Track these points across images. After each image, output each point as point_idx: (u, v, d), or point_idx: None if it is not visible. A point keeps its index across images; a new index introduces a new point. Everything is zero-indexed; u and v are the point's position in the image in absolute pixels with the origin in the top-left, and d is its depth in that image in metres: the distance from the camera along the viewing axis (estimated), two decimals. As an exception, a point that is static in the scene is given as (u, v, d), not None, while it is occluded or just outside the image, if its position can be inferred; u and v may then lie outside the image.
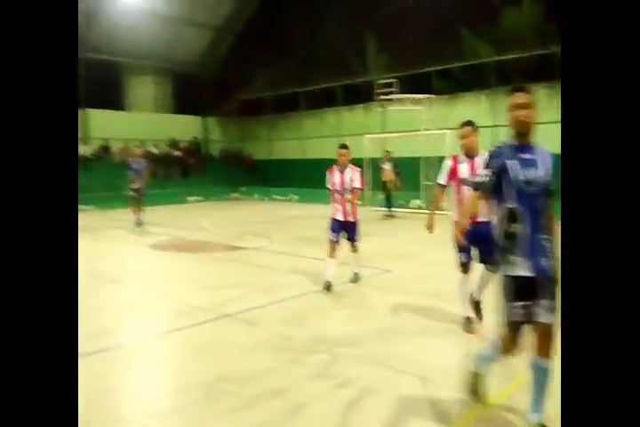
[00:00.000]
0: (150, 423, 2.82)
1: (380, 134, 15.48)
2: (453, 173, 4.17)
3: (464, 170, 4.09)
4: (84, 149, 17.96)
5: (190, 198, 18.35)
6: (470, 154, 4.10)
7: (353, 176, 5.60)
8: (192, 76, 21.95)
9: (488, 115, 14.60)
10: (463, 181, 4.04)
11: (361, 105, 17.82)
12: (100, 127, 18.78)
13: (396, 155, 13.13)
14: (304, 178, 18.64)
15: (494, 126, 14.45)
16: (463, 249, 4.02)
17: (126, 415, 2.92)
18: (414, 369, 3.44)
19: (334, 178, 5.66)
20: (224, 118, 22.86)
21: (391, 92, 14.63)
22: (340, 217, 5.63)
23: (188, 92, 22.10)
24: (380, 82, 15.16)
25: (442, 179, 4.26)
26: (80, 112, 18.76)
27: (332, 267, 5.52)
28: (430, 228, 4.31)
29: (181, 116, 21.92)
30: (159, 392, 3.32)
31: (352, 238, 5.75)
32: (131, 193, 10.91)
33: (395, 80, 14.81)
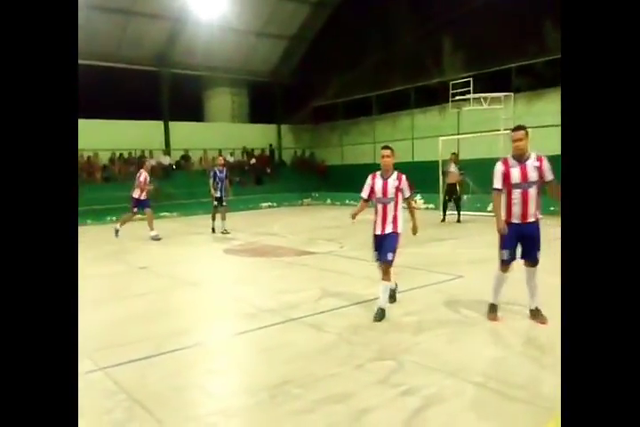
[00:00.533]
0: (218, 422, 2.91)
1: (455, 136, 15.03)
2: (506, 177, 4.32)
3: (516, 174, 4.27)
4: (167, 160, 19.08)
5: (264, 204, 18.86)
6: (520, 158, 4.28)
7: (400, 184, 4.73)
8: (267, 86, 22.62)
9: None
10: (515, 185, 4.28)
11: (435, 107, 17.44)
12: (181, 138, 19.83)
13: (472, 156, 12.67)
14: (377, 182, 18.49)
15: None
16: (506, 247, 4.40)
17: (195, 413, 3.02)
18: (480, 379, 3.29)
19: (376, 185, 4.79)
20: (297, 126, 23.31)
21: (467, 92, 14.17)
22: (378, 231, 4.79)
23: (263, 102, 22.78)
24: (455, 82, 14.74)
25: (497, 184, 4.38)
26: (163, 124, 19.98)
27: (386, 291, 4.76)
28: (503, 231, 4.38)
29: (256, 125, 22.64)
30: (227, 392, 3.41)
31: (383, 256, 4.71)
32: (214, 202, 11.22)
33: (470, 79, 14.34)
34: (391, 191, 4.73)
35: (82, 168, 16.98)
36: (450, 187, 11.96)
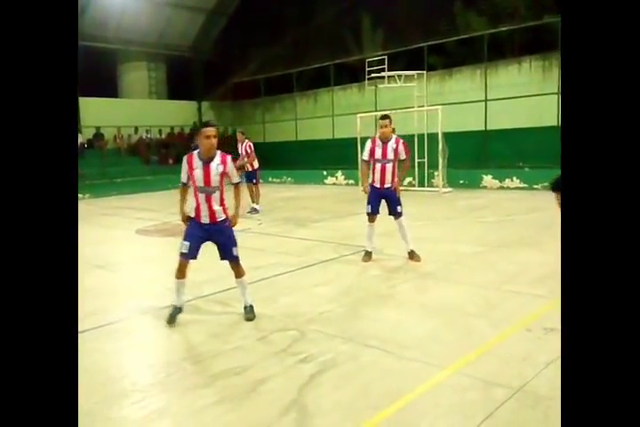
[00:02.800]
0: (114, 403, 2.85)
1: (372, 113, 15.29)
2: (372, 153, 5.64)
3: (378, 151, 5.60)
4: (78, 138, 17.94)
5: (187, 184, 18.29)
6: (384, 140, 5.60)
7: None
8: (186, 61, 21.71)
9: (482, 89, 14.38)
10: (377, 160, 5.63)
11: (355, 84, 17.59)
12: (94, 115, 18.69)
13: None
14: (298, 159, 18.57)
15: (487, 101, 14.27)
16: (369, 203, 5.75)
17: (99, 394, 2.94)
18: (375, 342, 3.45)
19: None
20: (218, 103, 22.67)
21: (383, 70, 14.38)
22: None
23: (182, 78, 21.88)
24: (371, 59, 14.90)
25: (365, 156, 5.75)
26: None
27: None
28: (365, 190, 5.82)
29: (175, 101, 21.75)
30: (127, 373, 3.34)
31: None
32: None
33: (385, 57, 14.54)
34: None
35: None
36: None
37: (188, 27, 21.01)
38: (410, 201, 11.82)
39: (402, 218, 5.67)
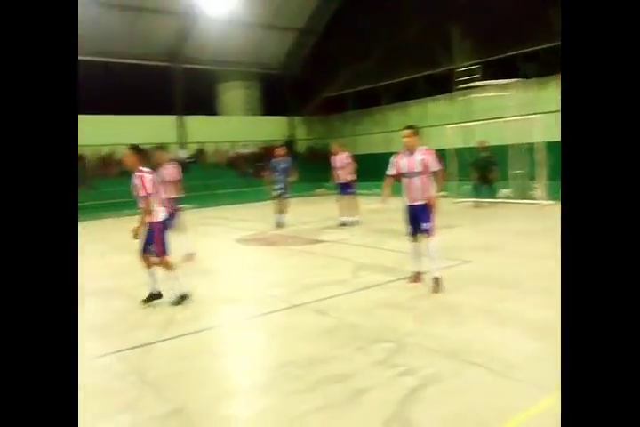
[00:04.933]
0: (221, 402, 3.05)
1: (464, 124, 14.93)
2: (397, 166, 5.19)
3: (404, 164, 5.14)
4: (182, 153, 19.32)
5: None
6: (410, 151, 5.12)
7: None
8: (278, 79, 22.66)
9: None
10: (404, 175, 5.15)
11: (444, 95, 17.30)
12: (196, 132, 20.04)
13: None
14: (389, 172, 18.44)
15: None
16: (408, 223, 5.33)
17: (201, 394, 3.16)
18: (482, 360, 3.37)
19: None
20: (309, 117, 23.32)
21: (474, 79, 14.02)
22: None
23: (274, 94, 22.84)
24: (461, 70, 14.59)
25: (390, 171, 5.28)
26: (178, 119, 20.19)
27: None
28: (383, 203, 5.41)
29: (269, 117, 22.72)
30: (232, 374, 3.55)
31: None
32: (274, 193, 10.74)
33: (477, 66, 14.17)
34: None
35: (98, 163, 17.33)
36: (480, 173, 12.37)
37: (279, 46, 21.97)
38: (509, 214, 11.50)
39: (432, 237, 5.08)
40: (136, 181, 4.87)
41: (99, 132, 17.36)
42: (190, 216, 13.52)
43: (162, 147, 8.15)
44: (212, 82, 22.79)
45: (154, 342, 4.03)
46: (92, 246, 8.82)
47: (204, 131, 20.36)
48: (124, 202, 14.95)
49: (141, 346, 3.97)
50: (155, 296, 5.12)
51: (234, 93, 22.93)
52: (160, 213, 4.97)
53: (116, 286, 6.08)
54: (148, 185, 4.84)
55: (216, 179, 18.29)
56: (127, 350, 3.91)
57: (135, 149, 5.05)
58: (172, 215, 5.34)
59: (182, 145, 19.89)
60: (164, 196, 5.30)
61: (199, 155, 20.03)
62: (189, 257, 7.25)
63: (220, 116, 22.48)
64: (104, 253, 8.48)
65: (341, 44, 19.76)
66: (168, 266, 5.03)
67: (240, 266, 7.29)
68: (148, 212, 4.86)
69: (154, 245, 4.94)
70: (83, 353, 3.86)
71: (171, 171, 7.32)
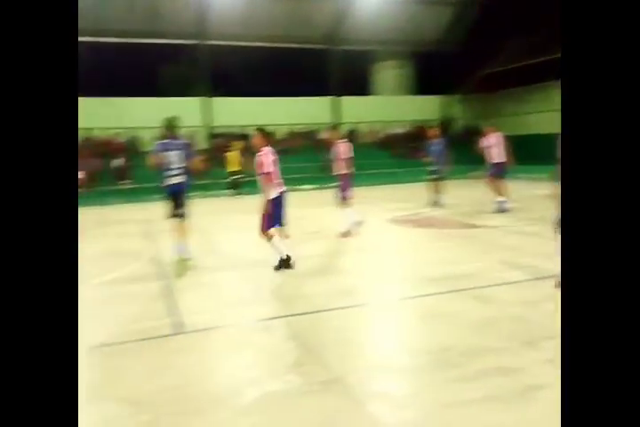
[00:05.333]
0: (376, 376, 3.05)
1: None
2: None
3: None
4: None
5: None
6: None
7: None
8: (433, 56, 21.81)
9: None
10: None
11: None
12: (350, 113, 20.36)
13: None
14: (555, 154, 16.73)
15: None
16: None
17: (357, 365, 3.21)
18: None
19: None
20: (466, 96, 22.13)
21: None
22: None
23: (429, 73, 22.10)
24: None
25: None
26: (332, 100, 20.68)
27: None
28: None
29: (422, 96, 22.10)
30: (389, 351, 3.54)
31: None
32: (430, 175, 10.85)
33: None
34: None
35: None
36: None
37: (436, 21, 21.05)
38: None
39: None
40: (258, 159, 5.31)
41: (262, 113, 18.59)
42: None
43: (334, 127, 9.03)
44: (366, 62, 22.84)
45: (312, 312, 4.20)
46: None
47: (357, 111, 20.58)
48: (301, 177, 15.92)
49: (302, 314, 4.16)
50: (284, 263, 5.48)
51: (388, 73, 22.70)
52: (273, 191, 5.33)
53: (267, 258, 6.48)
54: (268, 164, 5.26)
55: (368, 159, 18.43)
56: (290, 316, 4.13)
57: (261, 130, 5.53)
58: (282, 194, 5.52)
59: (336, 125, 20.40)
60: (279, 176, 5.53)
61: (352, 135, 20.33)
62: (348, 233, 7.51)
63: (374, 96, 22.47)
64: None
65: (503, 16, 18.25)
66: (268, 239, 5.44)
67: (394, 246, 7.25)
68: (266, 188, 5.28)
69: (262, 217, 5.36)
70: (248, 316, 4.19)
71: (342, 148, 7.68)
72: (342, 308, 4.31)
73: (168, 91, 20.91)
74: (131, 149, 17.60)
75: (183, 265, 6.10)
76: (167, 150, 5.94)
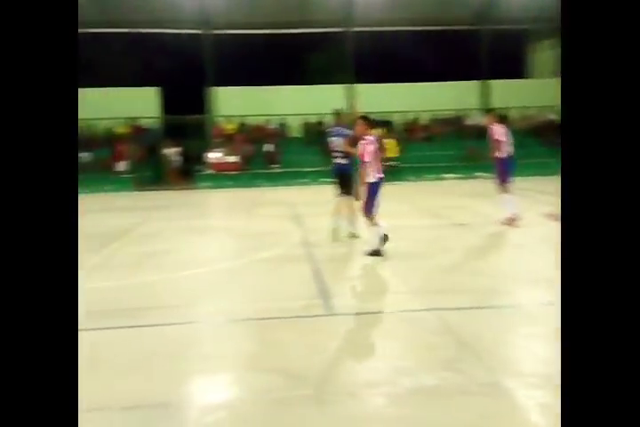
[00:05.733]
0: (544, 387, 2.81)
1: None
2: None
3: None
4: (482, 120, 18.79)
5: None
6: None
7: None
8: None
9: None
10: None
11: None
12: (501, 97, 19.10)
13: None
14: None
15: None
16: None
17: (519, 370, 2.99)
18: None
19: None
20: None
21: None
22: None
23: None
24: None
25: None
26: (482, 84, 19.53)
27: None
28: None
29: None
30: (548, 358, 3.24)
31: None
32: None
33: None
34: None
35: (403, 128, 18.37)
36: None
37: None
38: None
39: None
40: (360, 147, 5.59)
41: (405, 99, 18.29)
42: (488, 185, 13.21)
43: (492, 110, 9.21)
44: (518, 43, 21.13)
45: (465, 308, 4.02)
46: (398, 208, 9.38)
47: (508, 96, 19.22)
48: (427, 167, 15.57)
49: (455, 309, 4.00)
50: (376, 252, 5.62)
51: (544, 54, 20.76)
52: (372, 177, 5.53)
53: (418, 250, 6.35)
54: (369, 152, 5.52)
55: (518, 148, 17.18)
56: (442, 309, 4.00)
57: (364, 118, 5.73)
58: (380, 180, 5.68)
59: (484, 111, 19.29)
60: (380, 164, 5.71)
61: (503, 120, 19.09)
62: (510, 221, 7.41)
63: (527, 80, 20.77)
64: (407, 214, 8.99)
65: None
66: (370, 223, 5.62)
67: (552, 243, 6.64)
68: (365, 174, 5.54)
69: (363, 203, 5.64)
70: (400, 305, 4.15)
71: (499, 130, 7.90)
72: (497, 307, 4.07)
73: (314, 79, 21.59)
74: (280, 135, 18.57)
75: (344, 240, 6.38)
76: (334, 136, 6.67)
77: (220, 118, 19.31)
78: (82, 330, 3.63)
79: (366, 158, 5.56)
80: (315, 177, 15.90)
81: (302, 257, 6.01)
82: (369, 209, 5.60)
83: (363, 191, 5.71)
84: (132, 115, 18.01)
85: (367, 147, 5.57)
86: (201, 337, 3.75)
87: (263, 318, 3.93)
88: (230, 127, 19.08)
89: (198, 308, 4.36)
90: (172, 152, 17.37)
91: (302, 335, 3.59)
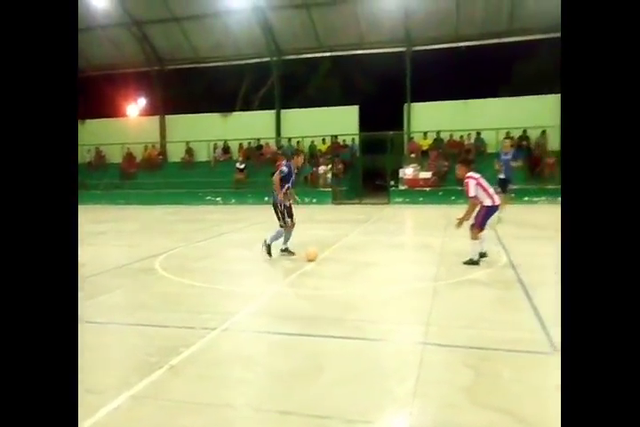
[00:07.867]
0: None
1: None
2: None
3: None
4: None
5: None
6: None
7: None
8: None
9: None
10: None
11: None
12: None
13: None
14: None
15: None
16: None
17: None
18: None
19: None
20: None
21: None
22: None
23: None
24: None
25: None
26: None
27: None
28: None
29: None
30: None
31: None
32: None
33: None
34: None
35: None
36: None
37: None
38: None
39: None
40: (465, 186, 6.42)
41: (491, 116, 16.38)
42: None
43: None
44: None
45: None
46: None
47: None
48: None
49: None
50: (474, 262, 6.38)
51: None
52: (486, 201, 6.37)
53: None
54: (472, 189, 6.34)
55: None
56: None
57: (464, 162, 6.73)
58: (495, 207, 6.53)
59: None
60: (490, 192, 6.49)
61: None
62: None
63: None
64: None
65: None
66: (473, 236, 6.41)
67: None
68: (474, 205, 6.40)
69: (475, 218, 6.45)
70: None
71: (472, 183, 7.69)
72: None
73: (520, 90, 20.23)
74: (478, 150, 17.79)
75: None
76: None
77: (417, 134, 19.29)
78: (301, 335, 3.82)
79: (471, 194, 6.39)
80: (522, 195, 14.83)
81: (511, 280, 5.52)
82: (481, 226, 6.40)
83: (478, 212, 6.42)
84: (334, 132, 19.08)
85: (469, 184, 6.35)
86: (408, 360, 3.56)
87: (479, 348, 3.61)
88: (426, 143, 18.93)
89: (404, 327, 4.23)
90: (324, 170, 18.17)
91: (521, 373, 3.19)
